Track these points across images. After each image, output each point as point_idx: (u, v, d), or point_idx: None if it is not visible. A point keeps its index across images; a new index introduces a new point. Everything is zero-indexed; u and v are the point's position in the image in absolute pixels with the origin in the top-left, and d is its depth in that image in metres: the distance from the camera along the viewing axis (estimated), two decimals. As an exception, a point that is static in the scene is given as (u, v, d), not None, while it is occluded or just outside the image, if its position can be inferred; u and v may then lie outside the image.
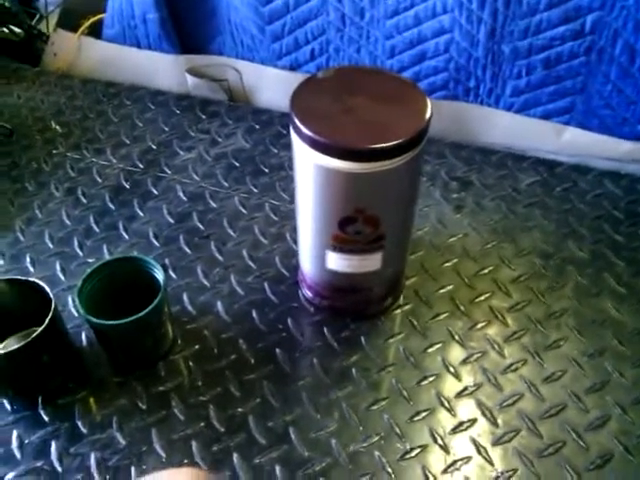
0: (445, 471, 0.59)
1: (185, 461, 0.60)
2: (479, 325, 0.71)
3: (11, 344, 0.65)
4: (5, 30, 1.14)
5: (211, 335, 0.70)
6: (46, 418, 0.63)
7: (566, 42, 0.82)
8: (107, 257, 0.78)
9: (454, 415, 0.63)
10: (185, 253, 0.79)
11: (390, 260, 0.66)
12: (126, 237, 0.81)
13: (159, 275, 0.64)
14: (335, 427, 0.62)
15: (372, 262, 0.64)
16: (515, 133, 0.94)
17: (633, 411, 0.63)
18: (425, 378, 0.66)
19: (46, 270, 0.77)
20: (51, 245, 0.80)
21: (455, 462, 0.60)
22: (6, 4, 1.13)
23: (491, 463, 0.59)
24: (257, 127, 0.99)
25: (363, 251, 0.63)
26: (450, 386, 0.65)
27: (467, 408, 0.64)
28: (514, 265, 0.77)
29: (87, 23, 1.10)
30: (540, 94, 0.88)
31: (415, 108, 0.57)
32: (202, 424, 0.62)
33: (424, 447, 0.61)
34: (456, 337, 0.70)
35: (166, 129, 0.99)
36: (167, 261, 0.78)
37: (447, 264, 0.77)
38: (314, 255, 0.67)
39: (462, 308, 0.72)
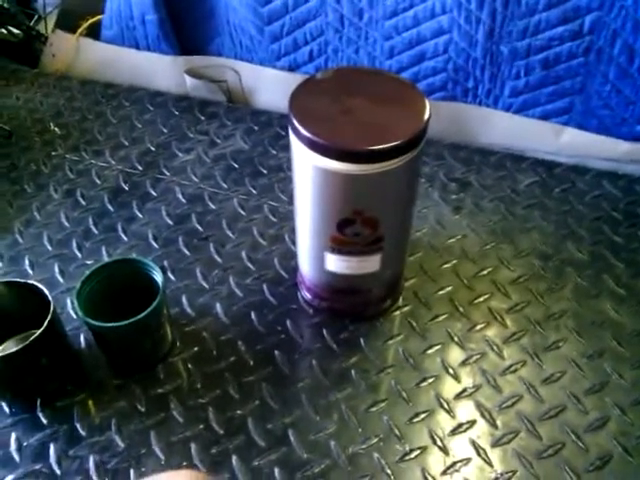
0: (444, 473, 0.59)
1: (184, 463, 0.60)
2: (478, 326, 0.71)
3: (9, 347, 0.65)
4: (3, 31, 1.14)
5: (210, 337, 0.70)
6: (45, 421, 0.63)
7: (565, 42, 0.82)
8: (106, 259, 0.78)
9: (453, 417, 0.63)
10: (184, 255, 0.79)
11: (389, 262, 0.66)
12: (125, 239, 0.81)
13: (158, 277, 0.64)
14: (334, 429, 0.62)
15: (371, 264, 0.64)
16: (514, 134, 0.94)
17: (632, 412, 0.63)
18: (424, 379, 0.66)
19: (45, 272, 0.77)
20: (50, 247, 0.80)
21: (454, 464, 0.60)
22: (4, 5, 1.13)
23: (490, 464, 0.59)
24: (256, 128, 0.99)
25: (362, 253, 0.63)
26: (449, 387, 0.65)
27: (466, 409, 0.64)
28: (513, 266, 0.77)
29: (85, 24, 1.10)
30: (539, 94, 0.88)
31: (414, 109, 0.57)
32: (201, 426, 0.62)
33: (423, 449, 0.61)
34: (455, 338, 0.69)
35: (165, 130, 0.99)
36: (166, 263, 0.78)
37: (446, 265, 0.77)
38: (313, 257, 0.67)
39: (461, 309, 0.72)
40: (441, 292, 0.74)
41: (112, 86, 1.09)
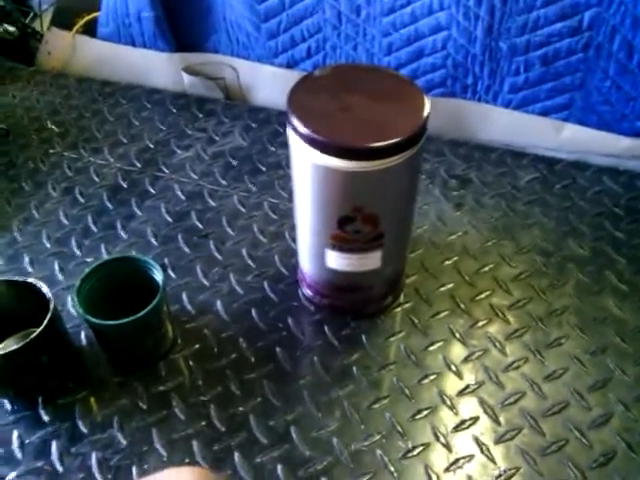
0: (447, 469, 0.59)
1: (186, 460, 0.59)
2: (480, 323, 0.70)
3: (10, 345, 0.65)
4: (-1, 29, 1.13)
5: (211, 334, 0.70)
6: (46, 418, 0.63)
7: (564, 38, 0.82)
8: (105, 257, 0.78)
9: (456, 413, 0.63)
10: (184, 252, 0.79)
11: (390, 258, 0.65)
12: (124, 236, 0.81)
13: (157, 275, 0.64)
14: (336, 426, 0.62)
15: (372, 261, 0.64)
16: (514, 130, 0.94)
17: (636, 408, 0.62)
18: (426, 376, 0.66)
19: (44, 270, 0.77)
20: (49, 245, 0.80)
21: (457, 460, 0.59)
22: (0, 2, 1.12)
23: (493, 461, 0.59)
24: (254, 125, 0.99)
25: (362, 250, 0.63)
26: (452, 384, 0.65)
27: (469, 406, 0.63)
28: (514, 263, 0.77)
29: (81, 22, 1.09)
30: (538, 91, 0.88)
31: (413, 106, 0.57)
32: (203, 423, 0.62)
33: (426, 445, 0.60)
34: (457, 335, 0.69)
35: (163, 128, 0.98)
36: (166, 260, 0.77)
37: (447, 262, 0.77)
38: (313, 254, 0.66)
39: (463, 306, 0.72)
40: (442, 289, 0.74)
41: (109, 84, 1.08)
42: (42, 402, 0.64)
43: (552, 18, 0.81)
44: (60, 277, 0.76)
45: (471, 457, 0.60)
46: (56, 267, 0.77)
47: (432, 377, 0.66)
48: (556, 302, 0.72)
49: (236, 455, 0.60)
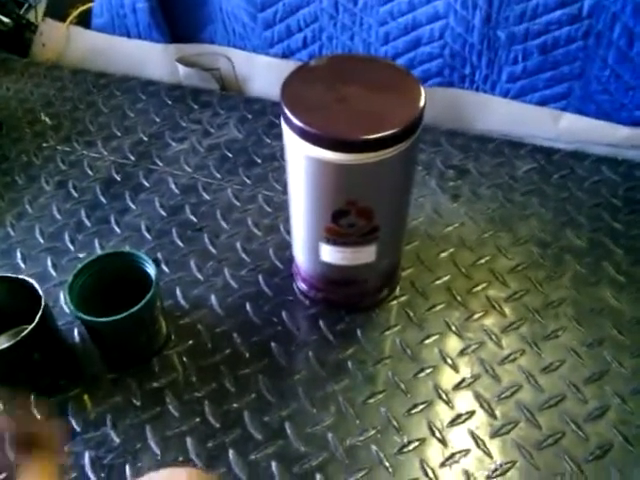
0: (443, 464, 0.59)
1: (180, 458, 0.59)
2: (476, 316, 0.70)
3: (2, 342, 0.64)
4: (-7, 20, 1.13)
5: (205, 329, 0.69)
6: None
7: (563, 27, 0.81)
8: (99, 251, 0.77)
9: (452, 407, 0.62)
10: (178, 246, 0.78)
11: (385, 252, 0.65)
12: (118, 231, 0.80)
13: (151, 270, 0.63)
14: (331, 421, 0.62)
15: (366, 254, 0.63)
16: (512, 120, 0.93)
17: (632, 401, 0.62)
18: (422, 370, 0.65)
19: (37, 266, 0.76)
20: (42, 240, 0.79)
21: (453, 455, 0.59)
22: (-7, -6, 1.11)
23: (490, 455, 0.59)
24: (249, 117, 0.98)
25: (357, 243, 0.62)
26: (447, 378, 0.65)
27: (465, 400, 0.63)
28: (511, 254, 0.76)
29: (76, 12, 1.08)
30: (537, 80, 0.87)
31: (409, 97, 0.56)
32: (197, 420, 0.62)
33: (422, 440, 0.60)
34: (453, 328, 0.69)
35: (157, 120, 0.98)
36: (160, 255, 0.77)
37: (443, 254, 0.76)
38: (308, 247, 0.66)
39: (459, 299, 0.71)
40: (438, 281, 0.73)
41: (103, 75, 1.07)
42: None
43: (551, 6, 0.80)
44: (53, 273, 0.75)
45: (467, 451, 0.59)
46: (49, 263, 0.76)
47: (428, 371, 0.65)
48: (553, 294, 0.71)
49: (230, 452, 0.59)
